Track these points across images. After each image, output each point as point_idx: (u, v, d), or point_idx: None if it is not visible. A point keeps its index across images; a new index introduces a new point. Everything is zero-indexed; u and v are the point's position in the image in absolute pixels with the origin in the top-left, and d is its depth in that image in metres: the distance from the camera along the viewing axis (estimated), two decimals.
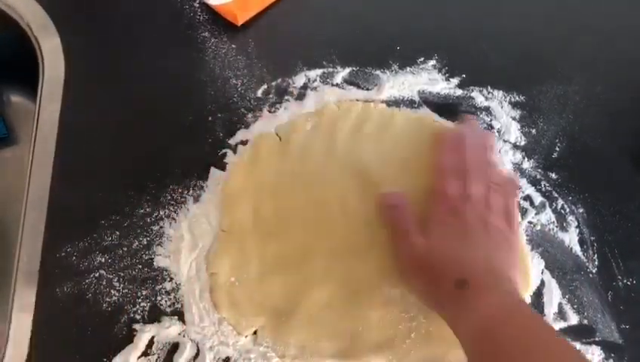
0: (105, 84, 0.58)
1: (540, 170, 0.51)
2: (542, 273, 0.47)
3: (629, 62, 0.56)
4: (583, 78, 0.54)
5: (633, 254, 0.47)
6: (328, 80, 0.55)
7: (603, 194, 0.50)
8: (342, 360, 0.45)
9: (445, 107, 0.53)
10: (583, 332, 0.45)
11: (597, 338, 0.45)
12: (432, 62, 0.55)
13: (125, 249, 0.50)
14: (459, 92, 0.54)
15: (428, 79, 0.55)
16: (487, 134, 0.51)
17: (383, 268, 0.47)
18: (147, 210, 0.51)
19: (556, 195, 0.50)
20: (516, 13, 0.58)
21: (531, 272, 0.47)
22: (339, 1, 0.61)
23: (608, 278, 0.47)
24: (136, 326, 0.47)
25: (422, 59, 0.56)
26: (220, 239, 0.49)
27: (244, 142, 0.53)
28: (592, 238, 0.48)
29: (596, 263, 0.47)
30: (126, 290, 0.48)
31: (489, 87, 0.54)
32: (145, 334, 0.46)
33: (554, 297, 0.46)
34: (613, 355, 0.44)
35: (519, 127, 0.52)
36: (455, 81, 0.55)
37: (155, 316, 0.47)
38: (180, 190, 0.51)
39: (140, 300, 0.48)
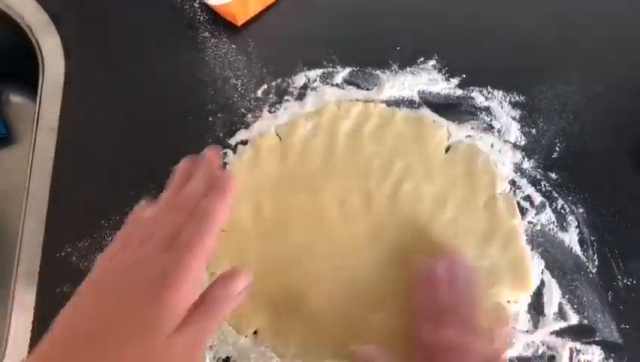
0: (105, 84, 0.58)
1: (540, 170, 0.51)
2: (542, 273, 0.47)
3: (629, 62, 0.56)
4: (583, 78, 0.54)
5: (633, 254, 0.47)
6: (328, 80, 0.55)
7: (603, 194, 0.49)
8: (342, 360, 0.45)
9: (445, 107, 0.53)
10: (583, 332, 0.45)
11: (597, 338, 0.45)
12: (432, 62, 0.55)
13: None
14: (459, 92, 0.54)
15: (428, 79, 0.55)
16: (465, 268, 0.43)
17: (382, 267, 0.47)
18: None
19: (556, 195, 0.50)
20: (516, 14, 0.58)
21: (531, 272, 0.47)
22: (339, 1, 0.61)
23: (608, 278, 0.47)
24: None
25: (422, 59, 0.56)
26: (219, 239, 0.49)
27: (244, 142, 0.53)
28: (592, 238, 0.48)
29: (596, 263, 0.47)
30: None
31: (489, 87, 0.54)
32: None
33: (554, 297, 0.46)
34: (613, 355, 0.44)
35: (519, 127, 0.52)
36: (455, 81, 0.55)
37: None
38: None
39: None
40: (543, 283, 0.47)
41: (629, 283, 0.46)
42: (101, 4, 0.62)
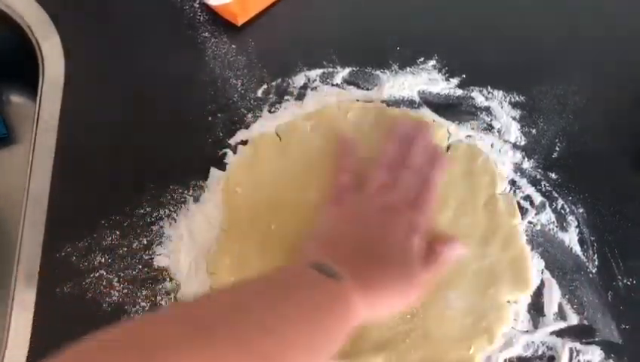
0: (105, 84, 0.58)
1: (539, 170, 0.51)
2: (542, 273, 0.47)
3: (629, 62, 0.56)
4: (583, 78, 0.54)
5: (633, 254, 0.47)
6: (328, 80, 0.55)
7: (603, 194, 0.49)
8: (342, 360, 0.45)
9: (445, 107, 0.53)
10: (583, 332, 0.45)
11: (597, 339, 0.45)
12: (432, 62, 0.55)
13: (125, 249, 0.50)
14: (459, 92, 0.54)
15: (428, 79, 0.55)
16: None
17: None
18: (147, 210, 0.51)
19: (556, 195, 0.50)
20: (516, 14, 0.58)
21: (531, 272, 0.47)
22: (339, 1, 0.61)
23: (608, 278, 0.47)
24: None
25: (422, 59, 0.56)
26: (219, 239, 0.49)
27: (244, 142, 0.53)
28: (592, 238, 0.48)
29: (596, 263, 0.47)
30: (126, 290, 0.48)
31: (489, 87, 0.54)
32: None
33: (554, 297, 0.46)
34: (613, 355, 0.44)
35: (519, 127, 0.52)
36: (455, 81, 0.55)
37: None
38: (180, 190, 0.51)
39: (139, 300, 0.48)
40: (543, 283, 0.47)
41: (629, 283, 0.46)
42: (101, 4, 0.62)
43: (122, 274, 0.49)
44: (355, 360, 0.44)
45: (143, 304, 0.48)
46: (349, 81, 0.55)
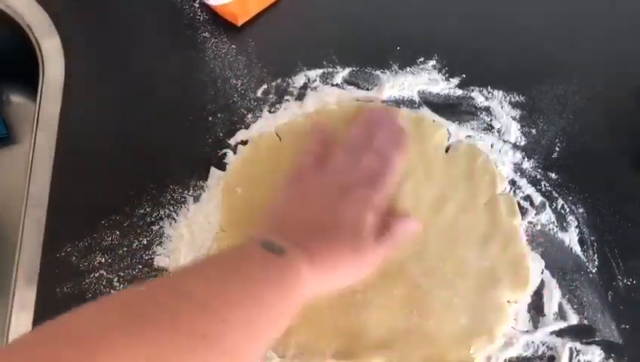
0: (105, 84, 0.58)
1: (539, 170, 0.51)
2: (542, 273, 0.47)
3: (629, 62, 0.56)
4: (583, 78, 0.54)
5: (633, 254, 0.47)
6: (328, 80, 0.55)
7: (603, 194, 0.49)
8: (342, 360, 0.45)
9: (445, 107, 0.53)
10: (583, 332, 0.45)
11: (597, 339, 0.45)
12: (432, 62, 0.55)
13: (125, 249, 0.50)
14: (459, 92, 0.54)
15: (428, 79, 0.55)
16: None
17: (382, 267, 0.47)
18: (147, 210, 0.51)
19: (556, 195, 0.50)
20: (516, 14, 0.58)
21: (531, 272, 0.47)
22: (339, 2, 0.61)
23: (608, 278, 0.47)
24: None
25: (422, 59, 0.56)
26: (219, 239, 0.49)
27: (244, 142, 0.53)
28: (592, 238, 0.48)
29: (596, 263, 0.47)
30: None
31: (489, 87, 0.54)
32: None
33: (554, 297, 0.46)
34: (613, 355, 0.44)
35: (519, 127, 0.52)
36: (455, 81, 0.55)
37: None
38: (180, 190, 0.52)
39: None
40: (543, 283, 0.47)
41: (629, 283, 0.46)
42: (101, 4, 0.62)
43: (122, 274, 0.49)
44: (355, 360, 0.44)
45: None
46: (349, 81, 0.55)
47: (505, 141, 0.52)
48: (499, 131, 0.52)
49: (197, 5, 0.60)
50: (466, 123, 0.52)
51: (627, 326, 0.45)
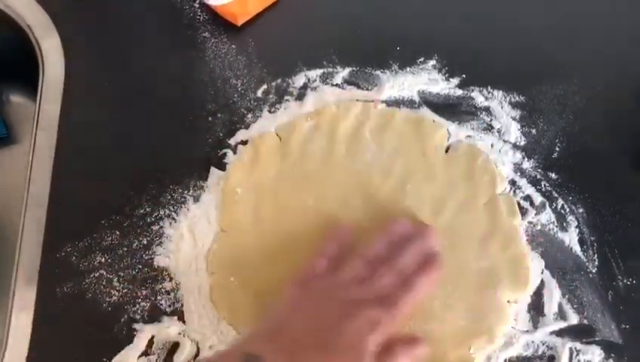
0: (105, 84, 0.58)
1: (539, 170, 0.51)
2: (542, 273, 0.47)
3: (629, 63, 0.56)
4: (583, 78, 0.54)
5: (633, 254, 0.47)
6: (328, 80, 0.55)
7: (603, 194, 0.49)
8: None
9: (445, 107, 0.53)
10: (583, 332, 0.45)
11: (597, 338, 0.45)
12: (432, 62, 0.55)
13: (125, 249, 0.50)
14: (459, 92, 0.54)
15: (428, 79, 0.55)
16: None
17: None
18: (147, 210, 0.51)
19: (556, 195, 0.50)
20: (516, 14, 0.58)
21: (531, 272, 0.47)
22: (339, 2, 0.61)
23: (608, 278, 0.47)
24: (136, 326, 0.47)
25: (422, 59, 0.56)
26: (219, 239, 0.49)
27: (244, 142, 0.53)
28: (592, 238, 0.48)
29: (596, 263, 0.47)
30: (126, 290, 0.48)
31: (489, 87, 0.54)
32: (145, 334, 0.46)
33: (554, 297, 0.46)
34: (613, 355, 0.44)
35: (519, 127, 0.52)
36: (455, 81, 0.55)
37: (154, 316, 0.47)
38: (180, 190, 0.52)
39: (139, 300, 0.48)
40: (543, 283, 0.47)
41: (629, 283, 0.46)
42: (101, 4, 0.62)
43: (122, 274, 0.49)
44: None
45: (142, 304, 0.48)
46: (349, 81, 0.55)
47: (505, 141, 0.52)
48: (499, 131, 0.52)
49: (197, 5, 0.60)
50: (466, 123, 0.52)
51: (627, 326, 0.45)
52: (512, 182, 0.50)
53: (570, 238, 0.48)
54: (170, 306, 0.48)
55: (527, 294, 0.46)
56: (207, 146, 0.53)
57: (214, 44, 0.58)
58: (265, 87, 0.56)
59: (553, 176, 0.50)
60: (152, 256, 0.49)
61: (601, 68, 0.55)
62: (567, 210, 0.49)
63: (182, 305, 0.48)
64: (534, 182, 0.50)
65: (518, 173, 0.50)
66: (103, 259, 0.49)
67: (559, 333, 0.45)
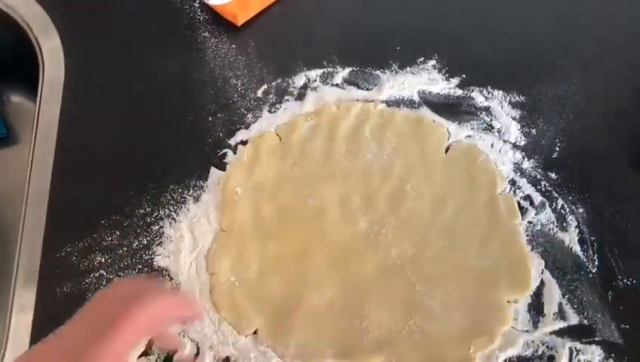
0: (105, 84, 0.58)
1: (540, 170, 0.51)
2: (542, 273, 0.47)
3: (629, 63, 0.56)
4: (583, 78, 0.54)
5: (633, 254, 0.47)
6: (328, 80, 0.55)
7: (603, 194, 0.49)
8: (342, 360, 0.45)
9: (445, 107, 0.53)
10: (583, 332, 0.45)
11: (597, 338, 0.45)
12: (432, 62, 0.55)
13: (125, 249, 0.50)
14: (459, 92, 0.54)
15: (428, 79, 0.55)
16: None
17: (382, 268, 0.47)
18: (147, 210, 0.51)
19: (556, 195, 0.50)
20: (516, 14, 0.58)
21: (531, 272, 0.47)
22: (339, 2, 0.61)
23: (608, 278, 0.47)
24: None
25: (422, 59, 0.56)
26: (219, 239, 0.49)
27: (244, 142, 0.53)
28: (592, 238, 0.48)
29: (596, 263, 0.47)
30: None
31: (489, 87, 0.54)
32: None
33: (554, 297, 0.46)
34: (613, 355, 0.44)
35: (519, 127, 0.52)
36: (455, 81, 0.55)
37: None
38: (180, 190, 0.52)
39: None
40: (543, 283, 0.47)
41: (629, 283, 0.46)
42: (101, 5, 0.62)
43: (122, 274, 0.49)
44: (355, 360, 0.44)
45: None
46: (349, 81, 0.55)
47: (505, 141, 0.52)
48: (499, 131, 0.52)
49: (197, 5, 0.60)
50: (466, 123, 0.52)
51: (627, 326, 0.45)
52: (512, 182, 0.50)
53: (570, 238, 0.48)
54: None
55: (527, 294, 0.46)
56: (207, 146, 0.53)
57: (214, 44, 0.58)
58: (265, 87, 0.56)
59: (553, 176, 0.50)
60: (152, 256, 0.49)
61: (601, 68, 0.55)
62: (567, 209, 0.49)
63: None
64: (534, 182, 0.50)
65: (518, 173, 0.50)
66: (103, 259, 0.49)
67: (559, 333, 0.45)
